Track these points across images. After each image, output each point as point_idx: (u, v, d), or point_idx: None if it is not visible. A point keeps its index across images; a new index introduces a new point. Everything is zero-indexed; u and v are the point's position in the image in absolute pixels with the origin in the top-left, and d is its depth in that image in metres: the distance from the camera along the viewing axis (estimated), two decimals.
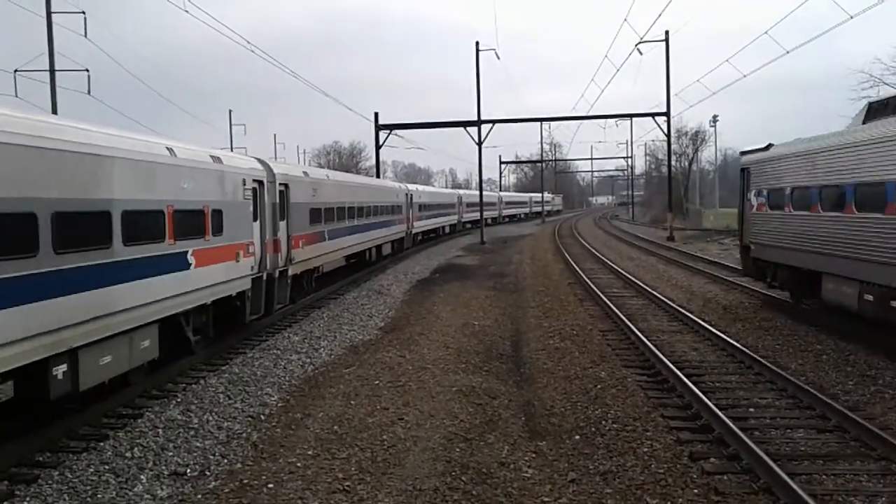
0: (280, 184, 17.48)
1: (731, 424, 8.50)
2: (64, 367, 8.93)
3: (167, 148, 11.97)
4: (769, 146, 18.52)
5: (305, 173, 21.10)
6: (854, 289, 13.41)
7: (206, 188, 13.24)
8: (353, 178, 33.31)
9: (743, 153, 20.36)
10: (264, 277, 16.23)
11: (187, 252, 12.27)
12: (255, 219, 15.73)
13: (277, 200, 17.23)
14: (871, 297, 12.83)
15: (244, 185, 15.05)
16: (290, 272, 18.31)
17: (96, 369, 9.66)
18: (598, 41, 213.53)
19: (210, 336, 13.85)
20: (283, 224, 17.69)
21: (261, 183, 16.14)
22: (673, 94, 45.79)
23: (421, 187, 52.96)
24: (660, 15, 54.88)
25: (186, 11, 20.18)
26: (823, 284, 14.83)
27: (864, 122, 14.16)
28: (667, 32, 45.22)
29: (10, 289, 7.82)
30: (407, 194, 39.25)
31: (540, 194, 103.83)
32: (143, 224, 10.79)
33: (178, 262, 11.95)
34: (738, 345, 13.12)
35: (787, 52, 25.03)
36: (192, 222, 12.53)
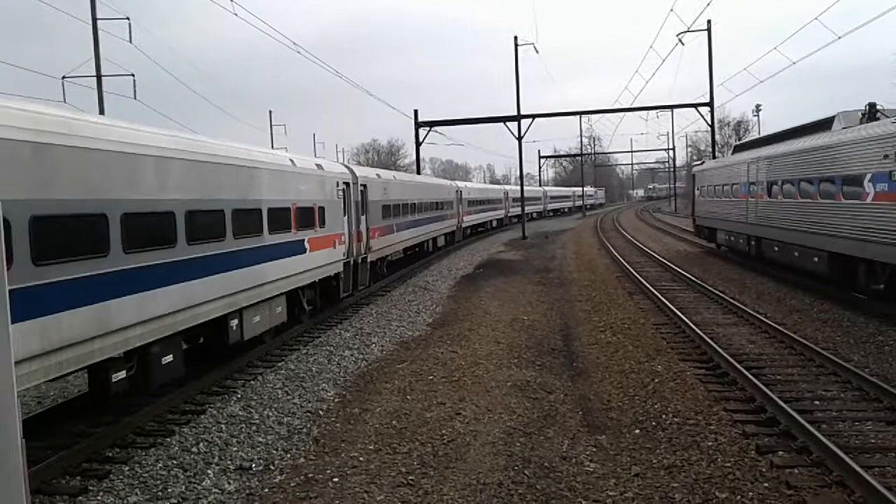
0: (361, 184, 20.49)
1: (798, 417, 8.34)
2: (236, 321, 12.19)
3: (290, 160, 15.55)
4: (703, 161, 35.89)
5: (378, 175, 24.34)
6: (726, 235, 28.26)
7: (315, 190, 16.35)
8: (413, 178, 35.91)
9: (691, 166, 34.29)
10: (351, 263, 19.25)
11: (304, 239, 15.40)
12: (344, 214, 18.63)
13: (359, 198, 20.27)
14: (729, 238, 27.73)
15: (337, 186, 18.12)
16: (369, 259, 21.38)
17: (252, 325, 12.81)
18: (640, 33, 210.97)
19: (317, 307, 17.11)
20: (363, 218, 20.69)
21: (347, 184, 19.12)
22: (717, 83, 45.13)
23: (470, 184, 56.18)
24: (708, 4, 53.69)
25: (235, 14, 20.42)
26: (717, 235, 29.90)
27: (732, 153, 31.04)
28: (709, 22, 44.47)
29: (212, 263, 11.16)
30: (457, 191, 41.70)
31: (582, 188, 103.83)
32: (278, 218, 13.92)
33: (299, 248, 15.08)
34: (796, 336, 12.87)
35: (839, 38, 24.38)
36: (307, 217, 15.62)
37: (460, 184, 46.88)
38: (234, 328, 12.13)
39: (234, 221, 11.90)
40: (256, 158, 13.39)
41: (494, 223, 57.58)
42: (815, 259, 18.36)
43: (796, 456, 7.66)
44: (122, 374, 9.16)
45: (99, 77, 33.96)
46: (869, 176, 15.27)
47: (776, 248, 21.62)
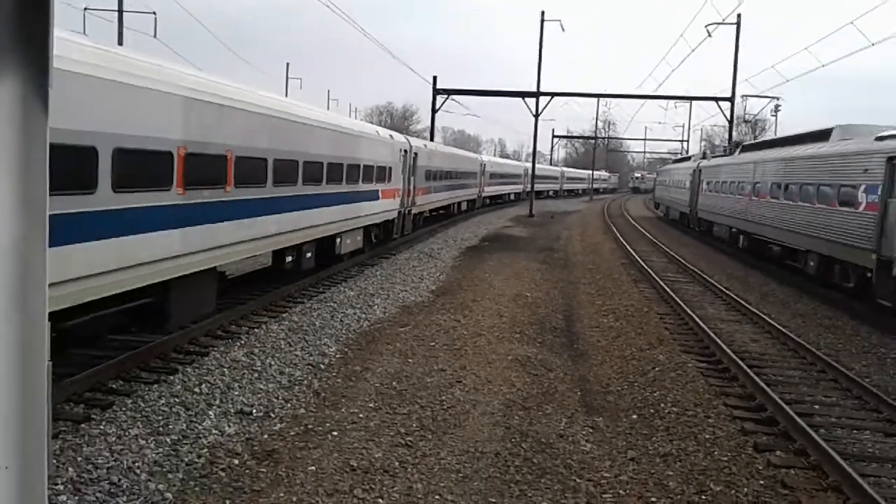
0: (413, 152, 25.36)
1: (798, 419, 8.38)
2: (339, 240, 17.60)
3: (375, 130, 21.76)
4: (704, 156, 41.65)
5: (425, 145, 30.14)
6: (724, 229, 30.20)
7: (387, 153, 21.64)
8: (448, 149, 39.92)
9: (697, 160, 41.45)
10: (402, 212, 24.41)
11: (378, 190, 20.56)
12: (402, 174, 23.59)
13: (411, 163, 24.93)
14: (730, 231, 29.11)
15: (400, 152, 23.24)
16: (413, 212, 26.39)
17: (346, 245, 18.24)
18: (672, 20, 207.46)
19: (379, 241, 22.48)
20: (412, 179, 25.40)
21: (405, 151, 24.05)
22: (742, 79, 44.68)
23: (493, 158, 62.29)
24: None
25: None
26: (713, 228, 32.60)
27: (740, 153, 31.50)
28: (739, 16, 43.85)
29: (335, 198, 16.57)
30: (481, 163, 46.61)
31: (598, 172, 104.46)
32: (366, 173, 19.00)
33: (375, 196, 20.32)
34: (800, 340, 12.90)
35: (872, 45, 24.10)
36: (381, 174, 20.80)
37: (484, 157, 51.42)
38: (338, 245, 17.57)
39: (347, 172, 17.25)
40: (361, 129, 19.69)
41: (512, 196, 61.72)
42: (806, 259, 19.99)
43: (794, 457, 7.71)
44: (290, 259, 14.65)
45: (121, 12, 33.65)
46: (863, 187, 16.44)
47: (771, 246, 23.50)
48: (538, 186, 66.84)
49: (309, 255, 15.45)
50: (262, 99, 12.73)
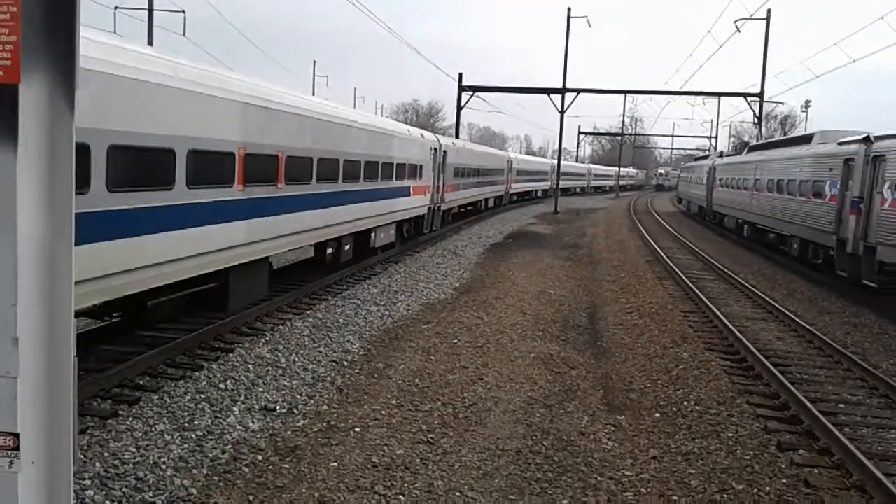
0: (443, 150, 26.18)
1: (822, 418, 8.30)
2: (374, 235, 18.56)
3: (407, 129, 22.70)
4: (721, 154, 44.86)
5: (454, 143, 30.85)
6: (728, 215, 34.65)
7: (418, 152, 22.64)
8: (476, 147, 40.05)
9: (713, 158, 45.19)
10: (432, 208, 25.36)
11: (410, 187, 21.62)
12: (432, 172, 24.57)
13: (440, 161, 25.89)
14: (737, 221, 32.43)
15: (430, 150, 24.23)
16: (442, 208, 27.23)
17: (380, 239, 19.25)
18: (700, 14, 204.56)
19: (410, 236, 23.53)
20: (441, 176, 26.25)
21: (435, 150, 24.99)
22: (772, 75, 44.19)
23: (520, 156, 62.08)
24: None
25: None
26: (725, 219, 35.70)
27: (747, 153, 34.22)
28: (769, 11, 43.33)
29: (370, 194, 17.43)
30: (508, 160, 46.94)
31: (626, 169, 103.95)
32: (398, 170, 19.91)
33: (406, 192, 21.31)
34: (826, 338, 12.76)
35: None
36: (413, 171, 21.79)
37: (511, 154, 52.17)
38: (374, 239, 18.58)
39: (382, 170, 18.15)
40: (394, 129, 20.61)
41: (540, 193, 62.25)
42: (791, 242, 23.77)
43: (817, 456, 7.64)
44: (330, 251, 15.67)
45: (150, 10, 34.04)
46: (828, 182, 20.15)
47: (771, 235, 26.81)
48: (566, 183, 68.66)
49: (347, 247, 16.62)
50: (307, 102, 13.96)
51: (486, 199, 40.76)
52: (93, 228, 7.51)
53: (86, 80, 6.88)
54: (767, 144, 33.22)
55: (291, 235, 13.01)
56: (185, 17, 34.25)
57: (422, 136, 24.02)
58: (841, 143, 19.69)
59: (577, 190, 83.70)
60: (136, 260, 8.37)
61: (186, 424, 7.62)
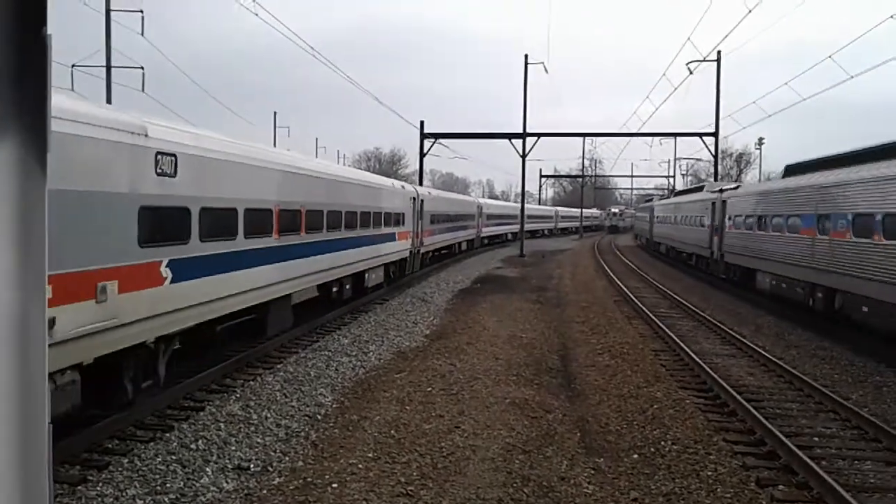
0: (420, 199, 28.96)
1: (799, 452, 8.35)
2: (367, 276, 20.83)
3: (391, 182, 25.97)
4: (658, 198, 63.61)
5: (429, 192, 34.12)
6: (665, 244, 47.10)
7: (401, 202, 25.43)
8: (448, 195, 43.45)
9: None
10: (413, 251, 27.93)
11: (395, 233, 24.18)
12: (412, 219, 27.15)
13: (419, 208, 28.47)
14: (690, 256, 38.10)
15: (410, 199, 26.98)
16: (421, 251, 29.74)
17: (371, 279, 21.51)
18: (653, 58, 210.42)
19: (396, 276, 25.86)
20: (420, 223, 28.81)
21: (413, 199, 27.66)
22: (724, 114, 45.54)
23: (489, 200, 66.49)
24: (725, 37, 53.99)
25: (256, 14, 20.56)
26: (661, 245, 48.97)
27: (674, 197, 50.06)
28: (719, 53, 44.72)
29: (364, 240, 19.76)
30: (478, 206, 50.13)
31: (590, 210, 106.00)
32: (385, 219, 22.38)
33: (392, 238, 23.75)
34: (796, 371, 12.92)
35: (852, 77, 24.51)
36: (397, 219, 24.37)
37: (481, 200, 56.34)
38: (366, 279, 20.95)
39: (373, 218, 20.70)
40: (381, 183, 23.93)
41: (510, 236, 64.61)
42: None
43: (797, 490, 7.68)
44: (335, 289, 17.94)
45: (108, 68, 33.91)
46: (706, 217, 31.38)
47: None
48: (534, 226, 70.04)
49: (348, 286, 19.19)
50: (319, 165, 17.54)
51: (460, 243, 43.21)
52: (194, 268, 10.10)
53: (187, 164, 9.75)
54: (682, 191, 48.16)
55: (309, 275, 15.50)
56: (143, 74, 34.13)
57: (402, 187, 27.33)
58: (711, 192, 31.74)
59: (546, 232, 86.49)
60: (218, 292, 10.87)
61: (158, 488, 7.39)
